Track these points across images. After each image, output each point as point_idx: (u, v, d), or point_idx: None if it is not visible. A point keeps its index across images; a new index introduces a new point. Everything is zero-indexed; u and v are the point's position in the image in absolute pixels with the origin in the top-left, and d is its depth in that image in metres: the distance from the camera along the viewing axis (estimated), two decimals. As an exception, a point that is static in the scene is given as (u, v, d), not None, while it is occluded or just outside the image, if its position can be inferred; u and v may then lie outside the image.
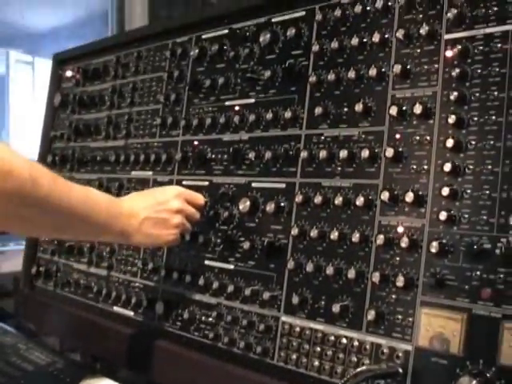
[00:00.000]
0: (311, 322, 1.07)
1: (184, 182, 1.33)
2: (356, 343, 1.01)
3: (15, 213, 0.98)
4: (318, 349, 1.05)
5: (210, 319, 1.21)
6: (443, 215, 0.92)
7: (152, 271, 1.35)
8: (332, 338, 1.03)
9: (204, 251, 1.26)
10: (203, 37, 1.34)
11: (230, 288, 1.18)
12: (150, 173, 1.41)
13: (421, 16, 0.99)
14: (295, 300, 1.08)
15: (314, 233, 1.07)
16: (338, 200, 1.04)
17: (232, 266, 1.20)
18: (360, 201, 1.01)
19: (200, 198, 1.28)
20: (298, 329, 1.09)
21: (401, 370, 0.94)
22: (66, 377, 1.25)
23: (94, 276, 1.51)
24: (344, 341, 1.02)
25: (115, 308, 1.43)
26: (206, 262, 1.26)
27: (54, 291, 1.61)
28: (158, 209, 1.20)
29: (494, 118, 0.90)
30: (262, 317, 1.13)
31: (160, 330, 1.31)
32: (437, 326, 0.92)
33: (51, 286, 1.61)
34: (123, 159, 1.45)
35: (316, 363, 1.05)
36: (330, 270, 1.04)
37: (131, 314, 1.39)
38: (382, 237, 0.98)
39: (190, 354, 1.23)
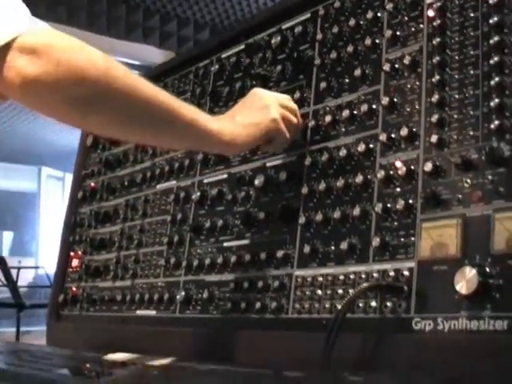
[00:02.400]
0: (322, 268, 1.14)
1: (205, 180, 1.45)
2: (363, 275, 1.08)
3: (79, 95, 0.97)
4: (329, 291, 1.12)
5: (228, 294, 1.29)
6: (434, 138, 1.03)
7: (174, 266, 1.43)
8: (341, 277, 1.11)
9: (223, 234, 1.36)
10: (222, 56, 1.53)
11: (247, 258, 1.26)
12: (174, 182, 1.54)
13: (406, -10, 1.17)
14: (307, 250, 1.16)
15: (322, 187, 1.17)
16: (343, 152, 1.16)
17: (248, 241, 1.30)
18: (362, 147, 1.13)
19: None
20: (310, 279, 1.16)
21: (406, 288, 1.01)
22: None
23: (119, 289, 1.58)
24: (352, 276, 1.09)
25: (138, 312, 1.50)
26: (225, 244, 1.35)
27: (79, 315, 1.67)
28: (247, 103, 1.22)
29: (471, 52, 1.04)
30: (276, 277, 1.21)
31: (181, 318, 1.38)
32: (435, 236, 1.00)
33: (77, 310, 1.68)
34: (149, 175, 1.59)
35: (327, 305, 1.11)
36: (337, 214, 1.13)
37: (153, 312, 1.45)
38: (382, 172, 1.09)
39: (208, 332, 1.29)
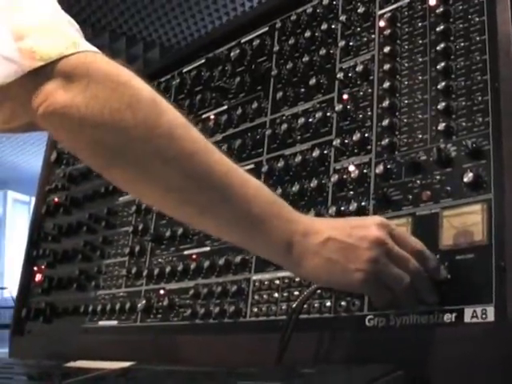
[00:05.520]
0: (279, 272, 1.16)
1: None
2: (318, 277, 1.10)
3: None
4: (286, 294, 1.14)
5: (188, 301, 1.30)
6: (385, 142, 1.07)
7: (135, 276, 1.44)
8: (297, 279, 1.13)
9: (183, 243, 1.37)
10: (183, 70, 1.56)
11: (206, 264, 1.28)
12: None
13: (359, 4, 1.21)
14: (264, 255, 1.18)
15: (278, 192, 1.20)
16: (298, 159, 1.19)
17: (208, 248, 1.31)
18: (316, 153, 1.17)
19: (414, 241, 0.93)
20: (267, 282, 1.18)
21: (359, 286, 1.04)
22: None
23: (82, 300, 1.58)
24: (308, 278, 1.12)
25: (100, 323, 1.50)
26: (185, 252, 1.36)
27: (42, 328, 1.67)
28: (349, 232, 0.89)
29: (420, 59, 1.08)
30: (234, 282, 1.23)
31: (142, 327, 1.39)
32: (386, 235, 1.04)
33: (40, 323, 1.68)
34: (112, 188, 1.61)
35: (284, 307, 1.13)
36: (293, 218, 1.16)
37: (115, 323, 1.46)
38: (336, 176, 1.12)
39: (168, 339, 1.31)
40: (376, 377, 0.82)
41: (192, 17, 3.42)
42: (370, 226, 0.89)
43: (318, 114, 1.19)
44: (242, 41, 1.43)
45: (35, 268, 1.77)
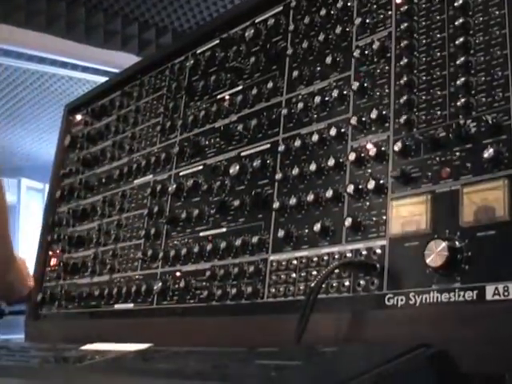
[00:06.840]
0: (296, 251, 1.16)
1: (181, 173, 1.47)
2: (337, 256, 1.09)
3: None
4: (304, 274, 1.13)
5: (204, 283, 1.30)
6: (403, 119, 1.06)
7: (151, 259, 1.44)
8: (315, 258, 1.12)
9: (199, 224, 1.37)
10: (198, 51, 1.55)
11: (223, 245, 1.27)
12: (151, 176, 1.55)
13: (375, -20, 1.20)
14: (281, 234, 1.17)
15: (295, 172, 1.19)
16: (315, 138, 1.18)
17: (224, 229, 1.31)
18: (333, 132, 1.15)
19: None
20: (284, 262, 1.17)
21: (378, 265, 1.03)
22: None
23: (97, 284, 1.58)
24: (326, 257, 1.11)
25: (116, 306, 1.50)
26: (201, 234, 1.36)
27: (58, 313, 1.67)
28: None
29: (438, 35, 1.06)
30: (251, 263, 1.22)
31: (158, 309, 1.38)
32: (406, 213, 1.02)
33: (55, 308, 1.68)
34: (126, 171, 1.60)
35: (302, 287, 1.12)
36: (310, 198, 1.15)
37: (131, 305, 1.46)
38: (354, 154, 1.11)
39: (185, 321, 1.30)
40: (397, 355, 0.81)
41: (204, 1, 3.40)
42: None
43: (335, 93, 1.17)
44: (257, 20, 1.41)
45: (50, 253, 1.77)
